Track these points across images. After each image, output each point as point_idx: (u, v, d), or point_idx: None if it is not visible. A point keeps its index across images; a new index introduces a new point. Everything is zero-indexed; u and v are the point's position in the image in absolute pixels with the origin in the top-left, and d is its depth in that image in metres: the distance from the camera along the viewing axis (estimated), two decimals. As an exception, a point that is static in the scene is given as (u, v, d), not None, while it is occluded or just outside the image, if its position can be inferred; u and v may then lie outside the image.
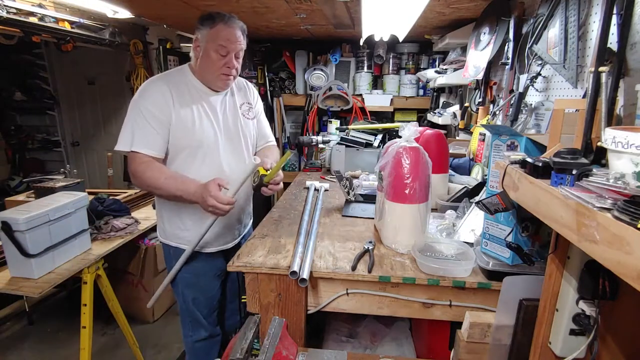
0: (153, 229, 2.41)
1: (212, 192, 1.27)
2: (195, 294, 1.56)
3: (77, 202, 1.78)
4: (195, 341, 1.61)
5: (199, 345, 1.61)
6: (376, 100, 3.49)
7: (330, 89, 3.38)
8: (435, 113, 2.83)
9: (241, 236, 1.67)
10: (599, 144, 0.68)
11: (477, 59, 1.93)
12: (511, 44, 1.68)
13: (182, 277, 1.54)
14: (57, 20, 2.67)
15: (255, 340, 1.00)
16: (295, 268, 1.12)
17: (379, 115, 3.61)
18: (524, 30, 1.63)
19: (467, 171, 2.09)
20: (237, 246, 1.61)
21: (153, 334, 2.50)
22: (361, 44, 3.34)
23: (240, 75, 1.54)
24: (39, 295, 1.53)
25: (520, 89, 1.55)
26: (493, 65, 1.99)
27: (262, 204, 3.19)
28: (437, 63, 3.22)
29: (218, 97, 1.49)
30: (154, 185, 1.35)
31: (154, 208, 1.68)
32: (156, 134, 1.35)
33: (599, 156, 0.73)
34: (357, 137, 2.65)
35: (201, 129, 1.42)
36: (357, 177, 2.25)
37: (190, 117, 1.39)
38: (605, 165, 0.70)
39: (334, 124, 3.08)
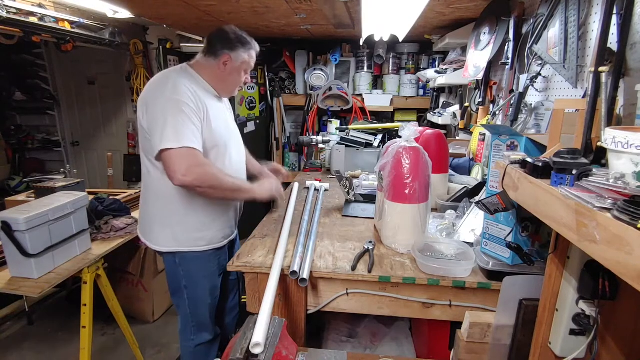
0: (153, 229, 2.41)
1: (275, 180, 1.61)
2: (203, 296, 1.54)
3: (77, 202, 1.77)
4: (197, 345, 1.59)
5: (200, 348, 1.60)
6: (376, 100, 3.49)
7: (330, 89, 3.38)
8: (435, 113, 2.83)
9: (236, 229, 1.69)
10: (599, 144, 0.68)
11: (477, 59, 1.93)
12: (511, 44, 1.68)
13: (191, 281, 1.51)
14: (57, 20, 2.67)
15: (255, 340, 0.99)
16: (296, 268, 1.12)
17: (379, 115, 3.61)
18: (524, 30, 1.63)
19: (467, 171, 2.09)
20: (233, 241, 1.67)
21: (153, 334, 2.50)
22: (361, 44, 3.34)
23: None
24: (39, 295, 1.53)
25: (520, 89, 1.55)
26: (493, 65, 1.99)
27: (262, 204, 3.19)
28: (437, 63, 3.22)
29: (219, 101, 1.54)
30: (217, 181, 1.33)
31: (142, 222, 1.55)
32: (197, 131, 1.33)
33: (599, 156, 0.73)
34: (357, 137, 2.65)
35: (223, 128, 1.48)
36: (357, 177, 2.25)
37: (213, 117, 1.41)
38: (605, 165, 0.70)
39: (334, 124, 3.08)
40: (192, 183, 1.28)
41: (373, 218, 1.55)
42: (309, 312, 1.22)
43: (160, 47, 3.62)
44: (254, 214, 1.77)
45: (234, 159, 1.53)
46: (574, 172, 0.63)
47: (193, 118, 1.32)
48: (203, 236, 1.48)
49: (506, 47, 1.73)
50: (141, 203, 1.53)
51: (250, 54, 1.49)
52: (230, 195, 1.42)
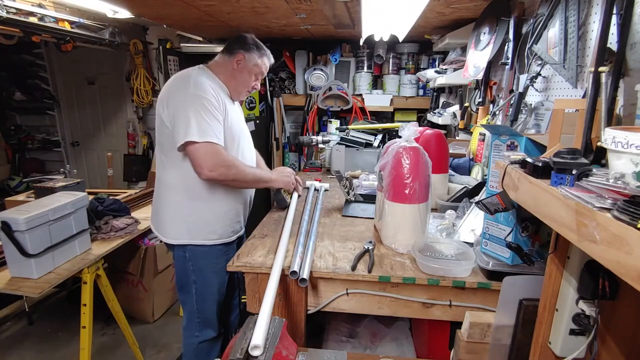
0: (153, 229, 2.41)
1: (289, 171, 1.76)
2: (211, 291, 1.56)
3: (77, 202, 1.78)
4: (200, 342, 1.60)
5: (203, 345, 1.61)
6: (376, 100, 3.49)
7: (330, 89, 3.38)
8: (435, 113, 2.83)
9: (244, 227, 1.71)
10: (598, 144, 0.68)
11: (477, 59, 1.93)
12: (511, 44, 1.68)
13: (200, 276, 1.54)
14: (57, 20, 2.67)
15: (255, 340, 0.99)
16: (295, 268, 1.12)
17: (379, 115, 3.61)
18: (524, 30, 1.63)
19: (467, 171, 2.09)
20: (241, 237, 1.69)
21: (153, 334, 2.50)
22: (361, 44, 3.34)
23: None
24: (39, 295, 1.53)
25: (520, 89, 1.55)
26: (493, 65, 1.99)
27: (263, 204, 3.19)
28: (437, 63, 3.22)
29: (233, 102, 1.61)
30: (242, 173, 1.45)
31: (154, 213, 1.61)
32: (219, 126, 1.41)
33: (599, 156, 0.73)
34: (357, 137, 2.65)
35: (237, 127, 1.55)
36: (357, 177, 2.25)
37: (230, 116, 1.49)
38: (605, 165, 0.70)
39: (334, 124, 3.08)
40: (217, 178, 1.40)
41: (373, 218, 1.55)
42: (309, 312, 1.22)
43: (160, 47, 3.62)
44: (254, 214, 1.77)
45: (247, 157, 1.60)
46: (574, 172, 0.63)
47: (216, 114, 1.40)
48: (214, 230, 1.52)
49: (506, 47, 1.72)
50: (154, 196, 1.58)
51: (262, 60, 1.60)
52: (250, 185, 1.59)
